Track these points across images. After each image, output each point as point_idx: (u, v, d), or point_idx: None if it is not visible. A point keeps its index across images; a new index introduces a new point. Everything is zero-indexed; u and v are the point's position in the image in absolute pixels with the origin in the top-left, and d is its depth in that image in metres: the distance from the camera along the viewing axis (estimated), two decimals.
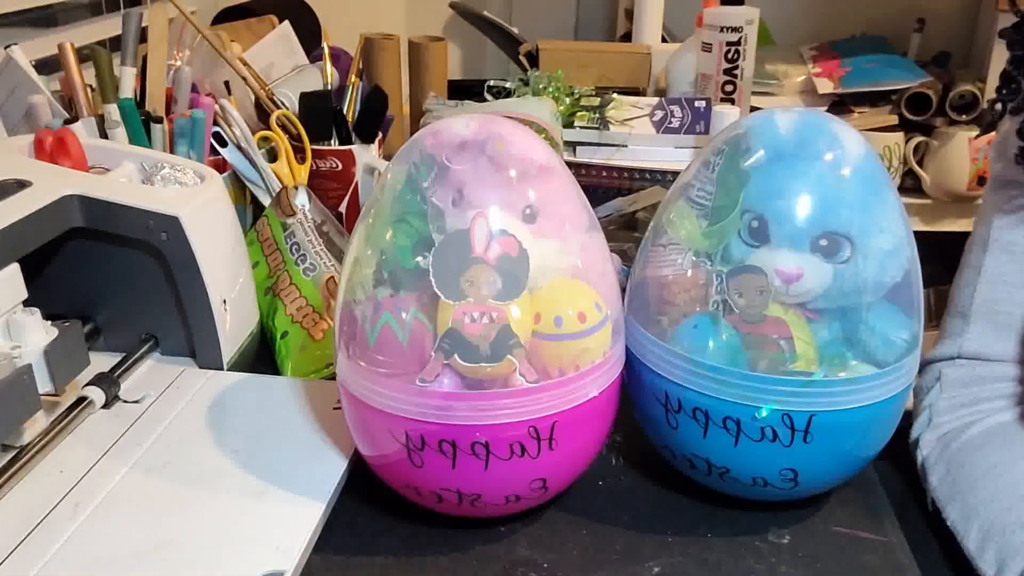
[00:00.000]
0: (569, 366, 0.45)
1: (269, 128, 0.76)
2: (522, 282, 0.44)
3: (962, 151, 1.25)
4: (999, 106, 0.58)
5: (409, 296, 0.44)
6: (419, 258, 0.44)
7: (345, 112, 0.83)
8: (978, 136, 1.19)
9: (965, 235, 0.66)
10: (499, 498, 0.46)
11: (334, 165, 0.81)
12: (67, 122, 0.66)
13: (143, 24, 0.73)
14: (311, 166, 0.79)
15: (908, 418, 0.63)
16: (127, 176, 0.59)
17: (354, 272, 0.47)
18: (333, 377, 0.51)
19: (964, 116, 1.26)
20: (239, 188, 0.78)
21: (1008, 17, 0.58)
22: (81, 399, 0.54)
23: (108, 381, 0.55)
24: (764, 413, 0.45)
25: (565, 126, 0.99)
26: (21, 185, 0.52)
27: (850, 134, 0.47)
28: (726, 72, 1.09)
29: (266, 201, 0.76)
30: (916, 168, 1.30)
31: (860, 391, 0.45)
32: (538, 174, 0.46)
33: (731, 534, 0.49)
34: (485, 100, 1.04)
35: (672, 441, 0.49)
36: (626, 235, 0.86)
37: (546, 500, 0.49)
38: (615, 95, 1.05)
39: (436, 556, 0.47)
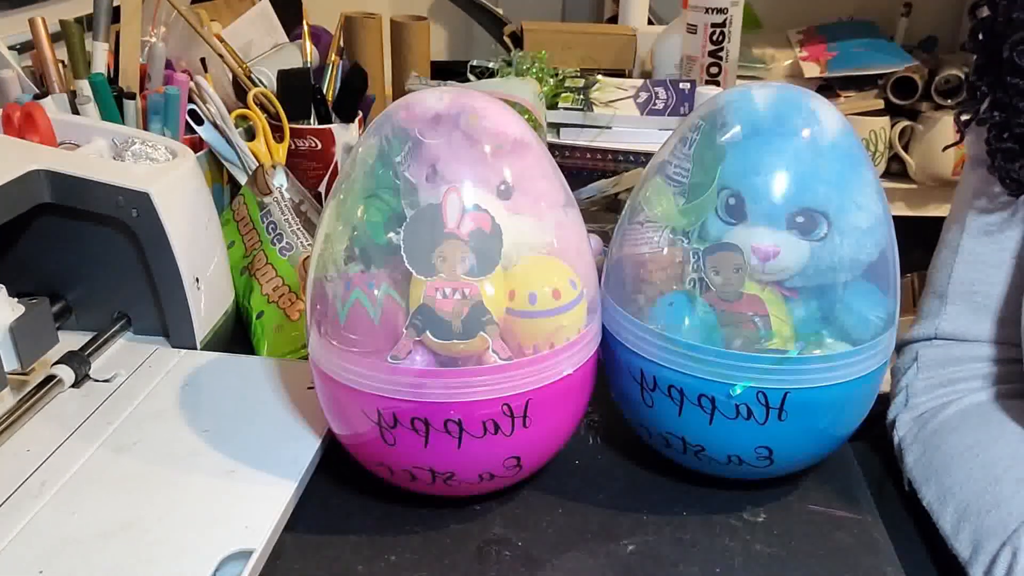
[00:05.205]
0: (543, 343, 0.44)
1: (247, 106, 0.75)
2: (496, 258, 0.43)
3: (948, 136, 1.25)
4: (966, 116, 0.58)
5: (381, 272, 0.44)
6: (391, 234, 0.43)
7: (324, 91, 0.82)
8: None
9: None
10: (473, 476, 0.46)
11: (313, 144, 0.80)
12: (36, 97, 0.65)
13: (116, 1, 0.72)
14: (290, 145, 0.78)
15: (885, 399, 0.63)
16: (97, 152, 0.58)
17: (325, 248, 0.46)
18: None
19: (950, 101, 1.26)
20: (216, 167, 0.77)
21: None
22: (50, 377, 0.53)
23: (78, 360, 0.54)
24: (738, 391, 0.44)
25: (549, 107, 0.98)
26: None
27: (828, 110, 0.46)
28: (711, 54, 1.08)
29: (243, 180, 0.75)
30: (902, 153, 1.30)
31: (835, 369, 0.45)
32: (513, 149, 0.46)
33: (706, 512, 0.49)
34: (468, 80, 1.03)
35: (648, 419, 0.49)
36: (608, 217, 0.86)
37: (521, 479, 0.48)
38: (600, 77, 1.04)
39: (409, 535, 0.47)
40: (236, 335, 0.64)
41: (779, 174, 0.45)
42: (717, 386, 0.45)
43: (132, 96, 0.69)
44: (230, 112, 0.75)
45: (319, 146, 0.80)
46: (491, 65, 1.05)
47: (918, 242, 0.82)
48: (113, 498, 0.45)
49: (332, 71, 0.84)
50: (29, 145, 0.56)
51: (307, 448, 0.50)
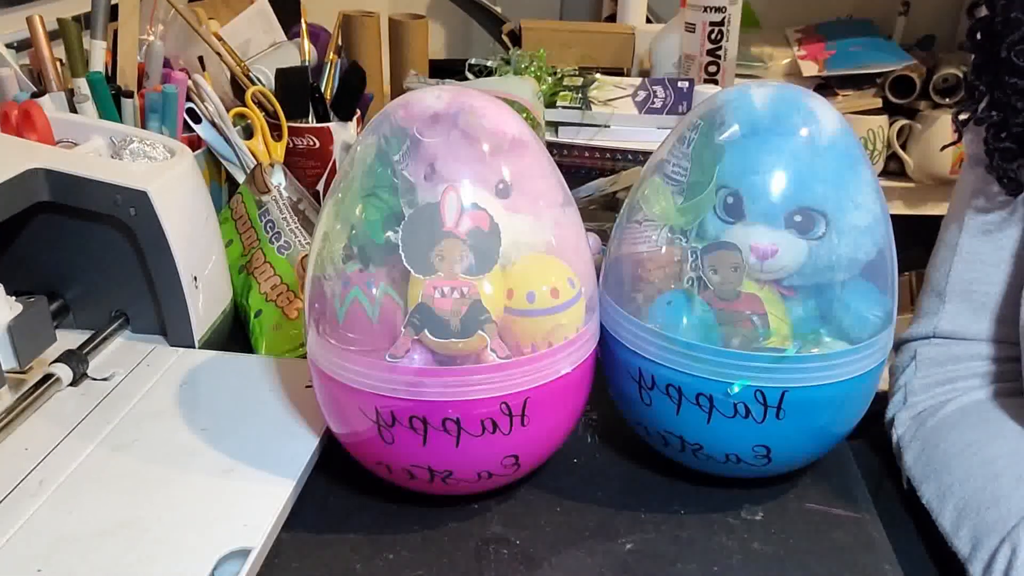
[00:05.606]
0: (542, 342, 0.44)
1: (245, 105, 0.75)
2: (494, 257, 0.43)
3: (946, 135, 1.25)
4: (964, 115, 0.58)
5: (379, 271, 0.44)
6: (389, 232, 0.43)
7: (323, 89, 0.82)
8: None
9: None
10: (471, 475, 0.46)
11: (311, 143, 0.80)
12: (34, 95, 0.65)
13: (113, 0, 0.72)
14: (288, 144, 0.78)
15: (883, 398, 0.63)
16: (95, 150, 0.58)
17: (323, 247, 0.46)
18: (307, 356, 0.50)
19: (948, 99, 1.26)
20: (214, 166, 0.77)
21: None
22: (48, 376, 0.53)
23: (76, 358, 0.54)
24: (736, 389, 0.44)
25: (547, 106, 0.98)
26: None
27: (826, 109, 0.46)
28: (710, 53, 1.08)
29: (241, 178, 0.75)
30: (900, 152, 1.30)
31: (832, 367, 0.45)
32: (511, 148, 0.46)
33: (704, 511, 0.49)
34: (467, 79, 1.03)
35: (646, 418, 0.49)
36: (607, 215, 0.86)
37: (519, 477, 0.48)
38: (598, 75, 1.04)
39: (408, 534, 0.47)
40: (234, 334, 0.64)
41: (777, 173, 0.45)
42: (715, 385, 0.45)
43: (130, 94, 0.69)
44: (228, 111, 0.74)
45: (317, 145, 0.80)
46: (489, 64, 1.05)
47: (916, 241, 0.83)
48: (111, 497, 0.45)
49: (330, 69, 0.83)
50: (27, 143, 0.56)
51: (305, 447, 0.50)
